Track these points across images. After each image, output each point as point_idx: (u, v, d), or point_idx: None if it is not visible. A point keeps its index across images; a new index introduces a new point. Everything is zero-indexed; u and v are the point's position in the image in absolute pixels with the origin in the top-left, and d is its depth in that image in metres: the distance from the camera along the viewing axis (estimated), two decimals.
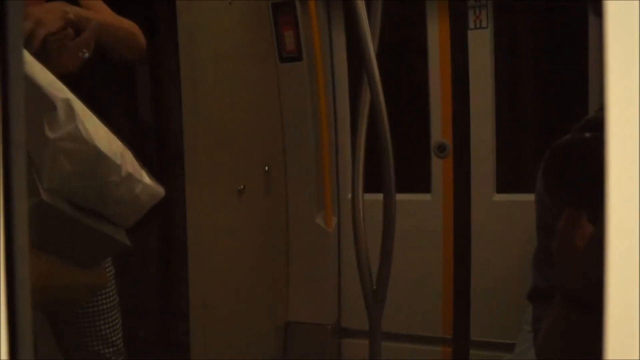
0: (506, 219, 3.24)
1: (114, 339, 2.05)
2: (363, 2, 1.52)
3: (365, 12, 1.52)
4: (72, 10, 1.79)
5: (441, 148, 3.39)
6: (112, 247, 1.72)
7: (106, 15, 2.01)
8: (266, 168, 3.48)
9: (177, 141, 3.28)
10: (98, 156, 1.49)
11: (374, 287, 1.68)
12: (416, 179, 3.53)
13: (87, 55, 1.75)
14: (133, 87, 3.97)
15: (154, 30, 3.82)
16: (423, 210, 3.46)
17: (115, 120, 2.31)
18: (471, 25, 3.25)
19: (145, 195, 1.67)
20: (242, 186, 3.28)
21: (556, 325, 0.99)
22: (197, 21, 3.02)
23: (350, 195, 3.12)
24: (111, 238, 1.64)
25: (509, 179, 3.47)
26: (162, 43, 3.77)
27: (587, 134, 0.85)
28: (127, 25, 2.08)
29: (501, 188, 3.34)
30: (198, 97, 3.06)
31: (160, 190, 1.73)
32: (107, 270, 2.06)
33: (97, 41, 1.84)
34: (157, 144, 3.91)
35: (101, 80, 2.13)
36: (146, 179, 1.67)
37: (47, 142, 1.40)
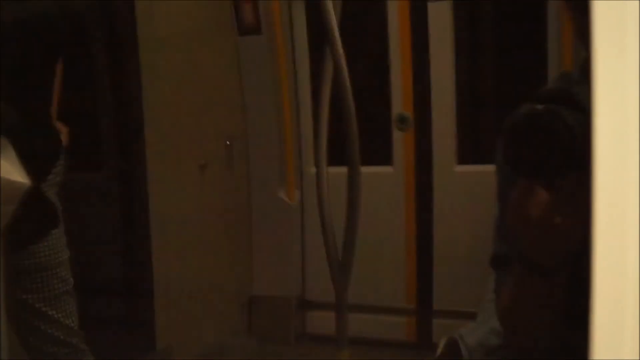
0: (467, 190, 3.28)
1: (67, 322, 2.05)
2: None
3: None
4: None
5: (402, 120, 3.40)
6: None
7: None
8: (227, 142, 3.45)
9: (137, 116, 3.24)
10: None
11: (340, 259, 1.69)
12: (377, 151, 3.54)
13: None
14: (89, 61, 3.89)
15: (112, 3, 3.74)
16: (385, 183, 3.48)
17: (72, 95, 2.27)
18: None
19: None
20: (203, 161, 3.26)
21: (515, 290, 1.02)
22: None
23: (312, 169, 3.12)
24: None
25: (469, 151, 3.50)
26: (119, 16, 3.69)
27: (543, 106, 0.87)
28: None
29: (462, 159, 3.38)
30: (158, 70, 3.02)
31: (12, 182, 1.60)
32: (61, 253, 2.04)
33: None
34: (116, 120, 3.84)
35: (53, 55, 2.08)
36: None
37: None
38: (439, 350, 2.24)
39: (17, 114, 1.84)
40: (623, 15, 0.42)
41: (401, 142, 3.44)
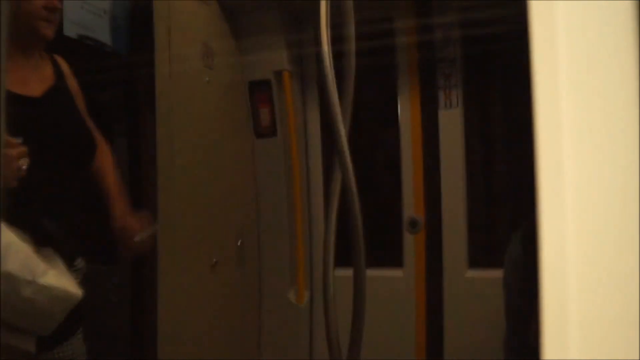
0: (479, 295, 3.25)
1: None
2: (334, 81, 1.56)
3: (336, 92, 1.55)
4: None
5: (413, 223, 3.42)
6: (15, 356, 1.59)
7: None
8: (239, 242, 3.47)
9: (152, 213, 3.27)
10: None
11: None
12: (388, 254, 3.54)
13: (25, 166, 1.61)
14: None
15: (134, 103, 3.85)
16: (395, 286, 3.46)
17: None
18: (442, 105, 3.33)
19: (43, 297, 1.49)
20: (214, 260, 3.27)
21: None
22: (175, 96, 3.06)
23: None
24: (14, 348, 1.52)
25: (481, 255, 3.49)
26: (140, 116, 3.80)
27: None
28: None
29: (473, 263, 3.37)
30: (174, 169, 3.08)
31: (70, 292, 1.57)
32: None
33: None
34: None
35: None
36: (49, 278, 1.51)
37: None
38: None
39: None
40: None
41: (412, 245, 3.45)
